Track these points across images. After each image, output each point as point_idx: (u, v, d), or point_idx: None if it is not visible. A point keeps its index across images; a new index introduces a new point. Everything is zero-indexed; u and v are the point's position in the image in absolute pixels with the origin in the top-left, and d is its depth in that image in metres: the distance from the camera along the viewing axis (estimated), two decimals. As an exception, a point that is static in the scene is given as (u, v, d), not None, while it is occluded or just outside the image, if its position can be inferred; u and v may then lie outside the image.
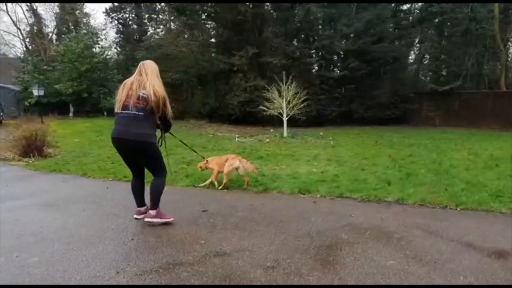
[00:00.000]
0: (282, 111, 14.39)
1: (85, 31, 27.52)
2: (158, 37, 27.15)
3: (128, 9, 31.22)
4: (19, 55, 35.43)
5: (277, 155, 9.29)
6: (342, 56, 22.44)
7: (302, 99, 14.32)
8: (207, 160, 6.43)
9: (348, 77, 20.49)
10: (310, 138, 13.51)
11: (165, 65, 22.74)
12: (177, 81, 22.30)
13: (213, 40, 21.68)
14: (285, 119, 14.45)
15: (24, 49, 35.04)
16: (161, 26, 30.00)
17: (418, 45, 26.51)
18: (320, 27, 21.51)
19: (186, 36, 23.85)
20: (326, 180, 6.34)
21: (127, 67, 28.57)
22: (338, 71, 21.89)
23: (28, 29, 34.90)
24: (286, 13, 20.38)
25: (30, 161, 8.68)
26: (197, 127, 17.82)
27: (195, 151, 6.26)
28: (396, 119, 21.63)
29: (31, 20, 34.72)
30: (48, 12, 36.15)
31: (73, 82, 25.23)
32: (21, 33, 34.77)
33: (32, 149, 9.31)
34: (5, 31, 37.00)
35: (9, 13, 34.04)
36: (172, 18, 26.54)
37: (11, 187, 6.16)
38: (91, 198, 5.33)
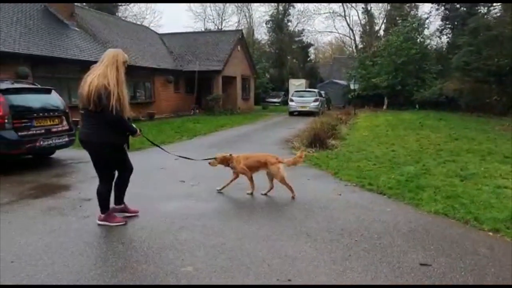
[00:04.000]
0: None
1: (407, 24, 26.49)
2: (489, 17, 22.28)
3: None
4: (351, 54, 39.05)
5: None
6: None
7: None
8: (230, 155, 5.04)
9: None
10: None
11: (492, 50, 18.48)
12: (504, 68, 17.51)
13: None
14: None
15: (354, 48, 38.18)
16: (497, 4, 24.48)
17: None
18: None
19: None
20: None
21: (448, 56, 25.47)
22: None
23: (360, 29, 37.84)
24: None
25: (310, 152, 8.93)
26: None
27: (178, 156, 5.06)
28: None
29: (364, 21, 37.35)
30: (378, 10, 37.42)
31: (389, 76, 25.06)
32: (353, 34, 38.02)
33: (316, 140, 9.60)
34: (343, 34, 41.41)
35: (346, 17, 37.65)
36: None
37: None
38: (303, 206, 4.63)
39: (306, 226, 3.87)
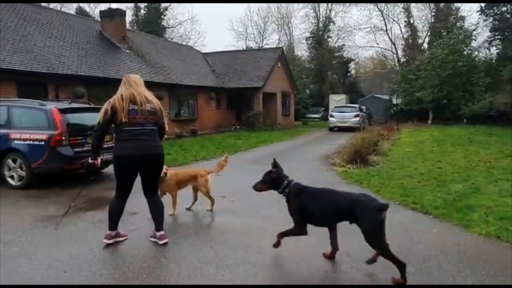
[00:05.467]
0: None
1: (453, 36, 25.44)
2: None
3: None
4: (393, 68, 38.04)
5: None
6: None
7: None
8: (165, 172, 4.60)
9: None
10: None
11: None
12: None
13: None
14: None
15: (396, 62, 37.18)
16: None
17: None
18: None
19: None
20: None
21: (498, 68, 24.12)
22: None
23: (403, 43, 36.81)
24: None
25: (351, 169, 8.73)
26: None
27: None
28: None
29: (406, 35, 36.34)
30: (422, 23, 36.22)
31: (434, 89, 24.09)
32: (395, 48, 37.06)
33: (356, 156, 9.37)
34: (385, 48, 40.46)
35: (388, 31, 36.83)
36: None
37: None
38: (343, 224, 4.47)
39: (347, 245, 3.75)
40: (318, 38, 40.58)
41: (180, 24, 40.12)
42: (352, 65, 47.57)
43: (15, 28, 12.67)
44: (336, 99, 32.20)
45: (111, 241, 3.78)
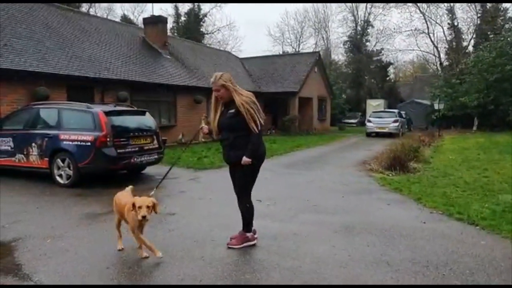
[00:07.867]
0: None
1: (501, 38, 24.00)
2: None
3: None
4: (435, 72, 36.50)
5: None
6: None
7: None
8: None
9: None
10: None
11: None
12: None
13: None
14: None
15: (438, 66, 35.62)
16: None
17: None
18: None
19: None
20: None
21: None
22: None
23: (446, 46, 35.21)
24: None
25: (389, 175, 8.43)
26: None
27: None
28: None
29: (450, 38, 34.73)
30: (467, 25, 34.42)
31: (479, 94, 22.83)
32: (438, 51, 35.50)
33: (396, 163, 9.05)
34: (426, 52, 38.82)
35: (429, 34, 35.25)
36: None
37: (343, 199, 6.15)
38: (383, 233, 4.31)
39: (387, 255, 3.60)
40: (356, 42, 39.83)
41: (218, 30, 40.84)
42: (391, 69, 46.16)
43: (66, 36, 13.43)
44: (374, 104, 31.38)
45: (255, 241, 3.84)
